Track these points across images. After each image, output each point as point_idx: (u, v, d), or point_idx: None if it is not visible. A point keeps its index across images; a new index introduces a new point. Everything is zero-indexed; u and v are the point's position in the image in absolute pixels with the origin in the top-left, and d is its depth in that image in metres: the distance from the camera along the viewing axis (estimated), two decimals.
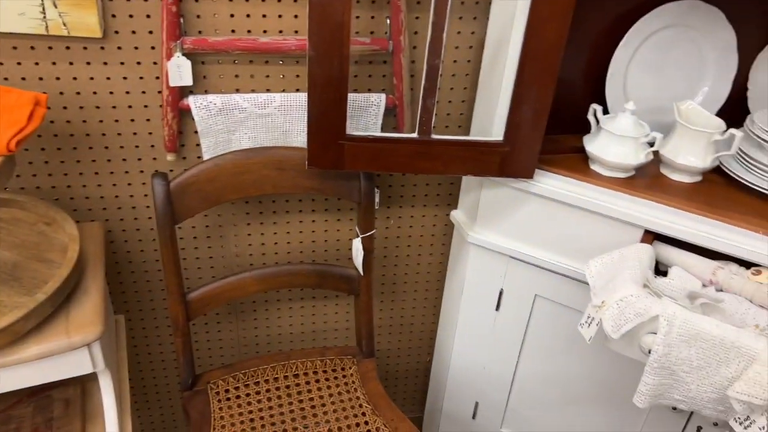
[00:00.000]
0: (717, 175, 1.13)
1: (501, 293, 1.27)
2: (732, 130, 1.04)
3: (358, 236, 1.17)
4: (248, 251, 1.32)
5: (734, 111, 1.21)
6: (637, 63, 1.16)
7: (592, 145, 1.11)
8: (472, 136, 1.13)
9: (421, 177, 1.31)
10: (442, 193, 1.34)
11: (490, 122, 1.11)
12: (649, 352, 0.91)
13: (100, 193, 1.18)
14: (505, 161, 1.08)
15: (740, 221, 1.01)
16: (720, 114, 1.15)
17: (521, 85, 1.00)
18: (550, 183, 1.11)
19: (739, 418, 0.89)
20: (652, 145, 1.10)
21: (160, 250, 1.06)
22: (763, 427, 0.86)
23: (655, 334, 0.90)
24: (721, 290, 0.99)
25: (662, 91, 1.20)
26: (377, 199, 1.29)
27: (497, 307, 1.29)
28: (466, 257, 1.28)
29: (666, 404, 0.94)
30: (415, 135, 1.05)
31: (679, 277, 1.00)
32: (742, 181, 1.08)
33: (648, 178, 1.12)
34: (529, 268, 1.21)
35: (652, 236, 1.06)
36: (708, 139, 1.06)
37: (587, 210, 1.09)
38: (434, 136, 1.06)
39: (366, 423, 1.12)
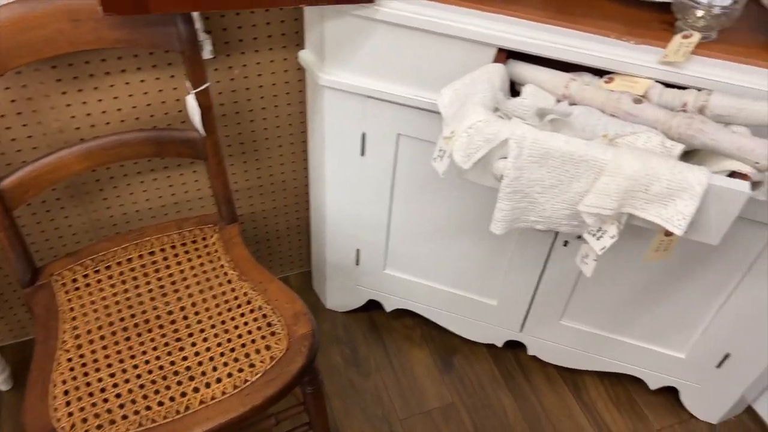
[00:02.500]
0: None
1: (364, 137, 1.19)
2: None
3: (190, 92, 1.03)
4: (73, 125, 1.15)
5: None
6: None
7: None
8: None
9: (260, 15, 1.15)
10: (287, 32, 1.20)
11: None
12: (502, 177, 0.87)
13: None
14: None
15: (593, 27, 0.94)
16: None
17: None
18: (394, 6, 0.99)
19: (592, 230, 0.89)
20: None
21: None
22: (614, 236, 0.87)
23: (507, 158, 0.85)
24: (575, 104, 0.95)
25: None
26: (209, 47, 1.13)
27: (362, 152, 1.22)
28: (321, 103, 1.17)
29: (523, 227, 0.93)
30: None
31: (532, 95, 0.95)
32: None
33: None
34: (389, 106, 1.12)
35: (505, 54, 0.99)
36: None
37: (437, 33, 0.99)
38: None
39: (233, 290, 1.07)
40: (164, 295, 1.06)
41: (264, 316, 1.03)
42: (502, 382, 1.48)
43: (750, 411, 1.45)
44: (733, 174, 0.82)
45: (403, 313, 1.58)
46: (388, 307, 1.54)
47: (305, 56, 1.16)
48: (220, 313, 1.03)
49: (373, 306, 1.58)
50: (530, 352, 1.49)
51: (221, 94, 1.23)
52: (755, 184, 0.83)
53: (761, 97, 0.88)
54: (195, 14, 1.04)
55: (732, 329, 1.24)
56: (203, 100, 1.04)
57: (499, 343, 1.50)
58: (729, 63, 0.90)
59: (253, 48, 1.19)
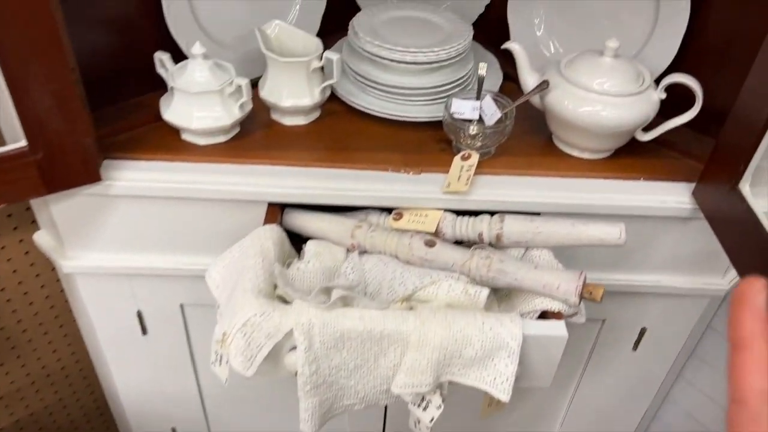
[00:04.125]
0: (338, 103, 0.93)
1: (140, 315, 0.98)
2: (327, 54, 0.83)
3: None
4: None
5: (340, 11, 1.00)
6: None
7: (170, 110, 0.82)
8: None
9: None
10: (15, 211, 0.96)
11: (11, 124, 0.74)
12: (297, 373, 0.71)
13: None
14: (48, 171, 0.74)
15: (368, 162, 0.84)
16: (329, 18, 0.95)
17: (7, 61, 0.65)
18: (130, 177, 0.81)
19: (415, 402, 0.76)
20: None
21: None
22: (440, 405, 0.74)
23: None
24: (366, 251, 0.82)
25: (254, 11, 0.94)
26: None
27: (144, 331, 1.01)
28: (76, 289, 0.94)
29: (342, 413, 0.77)
30: None
31: (315, 254, 0.81)
32: (361, 108, 0.89)
33: (258, 131, 0.88)
34: (160, 279, 0.93)
35: (279, 207, 0.84)
36: (307, 69, 0.84)
37: (191, 198, 0.82)
38: None
39: None
40: None
41: None
42: None
43: None
44: (545, 314, 0.73)
45: None
46: None
47: (42, 240, 0.93)
48: None
49: None
50: None
51: None
52: (570, 316, 0.75)
53: (554, 211, 0.82)
54: None
55: (587, 419, 1.18)
56: None
57: None
58: (513, 178, 0.84)
59: None
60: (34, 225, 0.98)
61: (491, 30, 1.06)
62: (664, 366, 1.07)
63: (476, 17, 1.07)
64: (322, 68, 0.86)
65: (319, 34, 0.91)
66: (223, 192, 0.81)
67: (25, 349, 1.11)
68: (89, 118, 0.74)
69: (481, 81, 0.84)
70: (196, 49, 0.79)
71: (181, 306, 0.98)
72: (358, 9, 0.99)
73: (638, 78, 0.81)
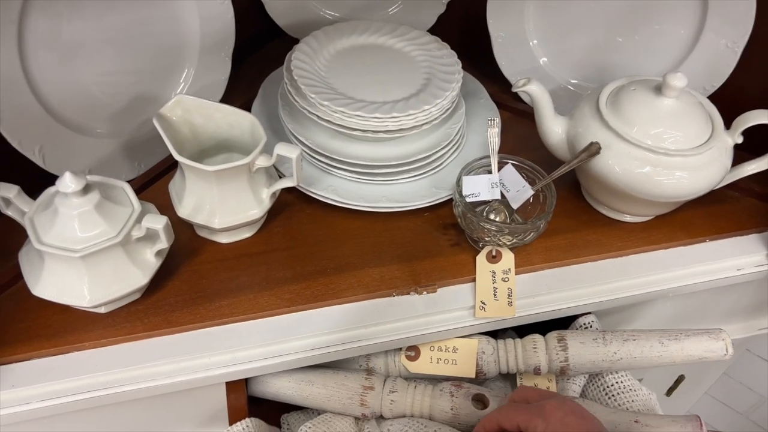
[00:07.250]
0: (294, 194, 0.65)
1: None
2: (281, 151, 0.55)
3: None
4: None
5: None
6: None
7: (42, 284, 0.51)
8: None
9: None
10: None
11: None
12: None
13: None
14: None
15: (355, 290, 0.58)
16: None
17: None
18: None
19: None
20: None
21: None
22: None
23: None
24: (382, 416, 0.58)
25: (137, 79, 0.62)
26: None
27: None
28: None
29: None
30: None
31: None
32: (327, 200, 0.62)
33: (182, 266, 0.59)
34: None
35: (242, 380, 0.58)
36: (248, 173, 0.55)
37: (101, 406, 0.54)
38: None
39: None
40: None
41: None
42: None
43: None
44: None
45: None
46: None
47: None
48: None
49: None
50: None
51: None
52: None
53: (614, 306, 0.62)
54: None
55: None
56: None
57: None
58: (555, 272, 0.62)
59: None
60: None
61: (453, 30, 0.81)
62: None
63: (435, 20, 0.81)
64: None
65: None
66: (145, 390, 0.53)
67: None
68: None
69: (493, 149, 0.60)
70: (66, 185, 0.47)
71: None
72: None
73: (707, 121, 0.60)
